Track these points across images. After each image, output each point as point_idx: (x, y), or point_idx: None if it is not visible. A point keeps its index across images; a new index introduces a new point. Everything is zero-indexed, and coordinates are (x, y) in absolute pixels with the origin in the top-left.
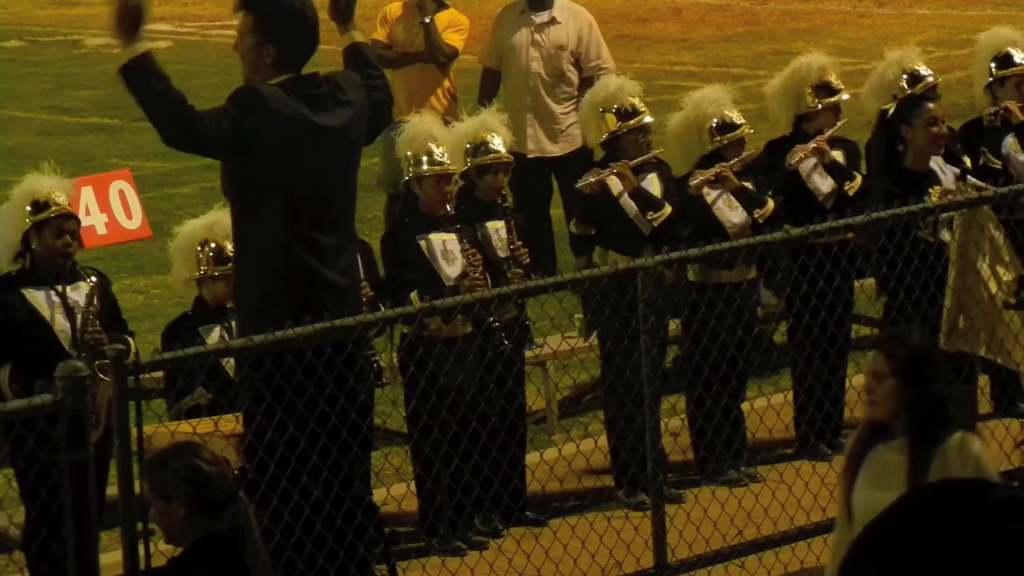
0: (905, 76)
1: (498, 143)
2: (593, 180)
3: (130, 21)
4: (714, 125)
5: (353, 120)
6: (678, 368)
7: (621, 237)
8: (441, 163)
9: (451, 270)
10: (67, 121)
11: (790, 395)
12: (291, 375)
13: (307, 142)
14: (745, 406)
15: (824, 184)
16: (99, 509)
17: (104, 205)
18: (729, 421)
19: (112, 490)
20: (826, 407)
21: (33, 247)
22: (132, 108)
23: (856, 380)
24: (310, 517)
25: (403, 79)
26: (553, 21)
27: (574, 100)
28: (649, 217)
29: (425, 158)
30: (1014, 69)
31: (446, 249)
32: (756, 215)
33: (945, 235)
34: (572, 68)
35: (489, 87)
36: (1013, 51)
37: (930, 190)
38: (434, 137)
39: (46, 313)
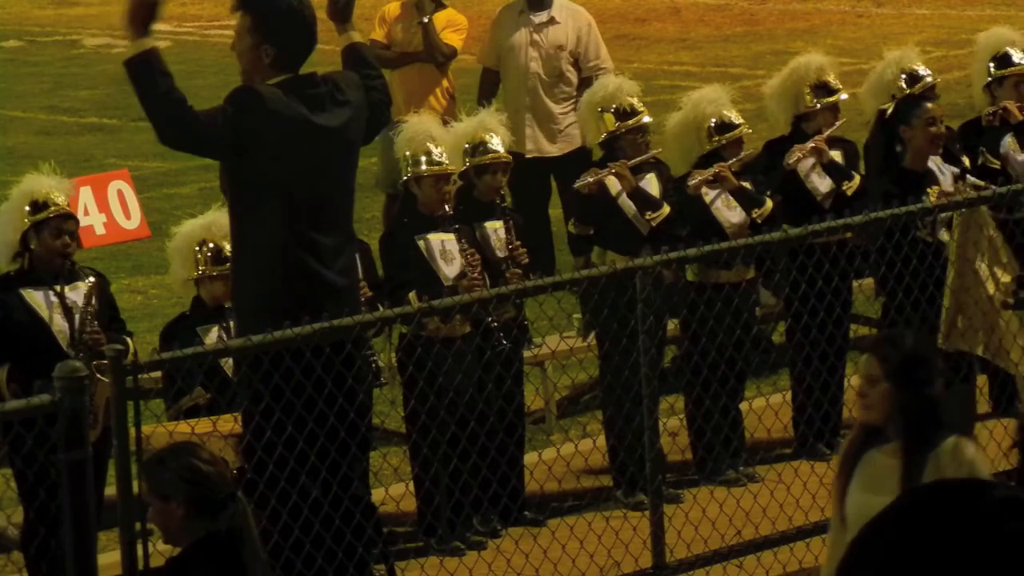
0: (904, 76)
1: (497, 143)
2: (591, 180)
3: (143, 16)
4: (712, 125)
5: (351, 120)
6: (676, 368)
7: (619, 237)
8: (440, 163)
9: (449, 270)
10: (66, 121)
11: (788, 395)
12: (289, 375)
13: (305, 142)
14: (744, 406)
15: (823, 184)
16: (97, 509)
17: (103, 205)
18: (727, 421)
19: (110, 490)
20: (824, 407)
21: (32, 247)
22: (131, 108)
23: (855, 380)
24: (308, 517)
25: (401, 79)
26: (552, 21)
27: (573, 100)
28: (647, 217)
29: (424, 158)
30: (1013, 69)
31: (444, 249)
32: (754, 215)
33: (944, 235)
34: (571, 68)
35: (488, 87)
36: (1012, 51)
37: (928, 190)
38: (432, 137)
39: (44, 313)
